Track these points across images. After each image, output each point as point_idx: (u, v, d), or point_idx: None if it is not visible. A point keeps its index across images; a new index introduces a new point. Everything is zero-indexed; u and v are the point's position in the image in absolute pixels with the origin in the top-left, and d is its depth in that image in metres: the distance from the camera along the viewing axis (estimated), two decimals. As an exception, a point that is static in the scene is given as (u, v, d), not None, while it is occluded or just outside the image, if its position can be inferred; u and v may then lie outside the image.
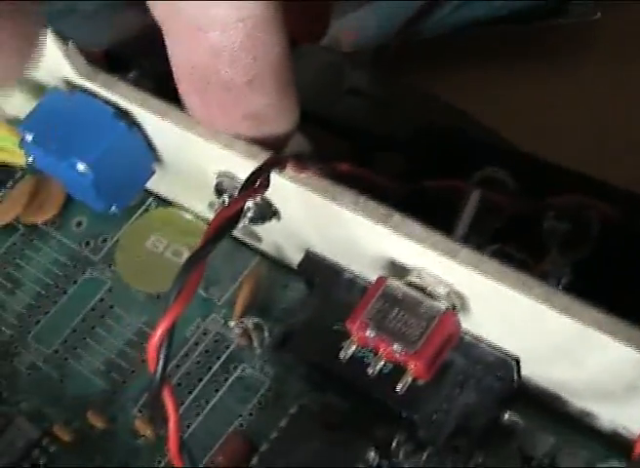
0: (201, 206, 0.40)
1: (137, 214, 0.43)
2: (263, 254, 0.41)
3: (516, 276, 0.30)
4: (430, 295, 0.32)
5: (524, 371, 0.35)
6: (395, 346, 0.31)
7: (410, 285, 0.32)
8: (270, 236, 0.39)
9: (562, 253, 0.37)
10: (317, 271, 0.37)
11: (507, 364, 0.34)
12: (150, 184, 0.41)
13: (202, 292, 0.40)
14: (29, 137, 0.37)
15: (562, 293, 0.29)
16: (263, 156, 0.33)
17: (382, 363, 0.32)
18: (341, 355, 0.33)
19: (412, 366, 0.32)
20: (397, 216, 0.31)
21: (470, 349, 0.34)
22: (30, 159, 0.38)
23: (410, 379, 0.32)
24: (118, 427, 0.38)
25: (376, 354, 0.33)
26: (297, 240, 0.37)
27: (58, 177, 0.38)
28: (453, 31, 0.44)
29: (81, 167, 0.35)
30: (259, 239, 0.40)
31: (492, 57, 0.40)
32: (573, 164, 0.38)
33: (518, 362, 0.34)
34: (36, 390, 0.40)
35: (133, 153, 0.37)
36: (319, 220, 0.34)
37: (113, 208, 0.38)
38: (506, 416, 0.35)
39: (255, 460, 0.35)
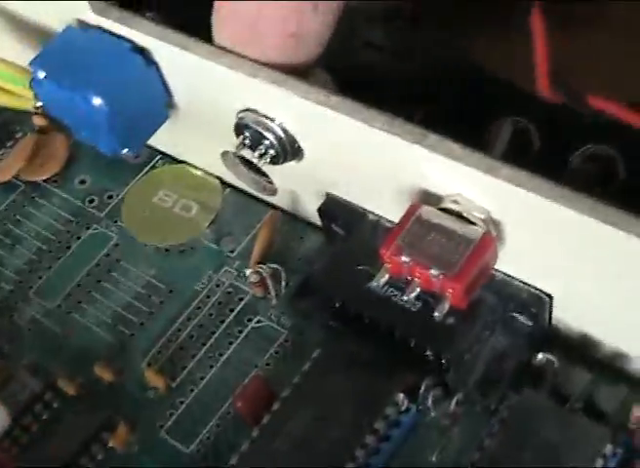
0: (212, 160, 0.39)
1: (143, 172, 0.42)
2: (277, 208, 0.40)
3: (560, 190, 0.29)
4: (466, 221, 0.31)
5: (556, 314, 0.34)
6: (433, 270, 0.30)
7: (445, 211, 0.31)
8: (287, 183, 0.38)
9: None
10: (339, 214, 0.36)
11: (540, 300, 0.33)
12: (158, 142, 0.40)
13: (213, 245, 0.39)
14: (42, 75, 0.35)
15: (610, 206, 0.28)
16: (290, 83, 0.33)
17: (418, 290, 0.31)
18: (374, 283, 0.32)
19: (450, 291, 0.31)
20: (434, 136, 0.31)
21: (502, 287, 0.33)
22: (40, 104, 0.37)
23: (447, 306, 0.31)
24: (126, 380, 0.36)
25: (406, 288, 0.32)
26: (316, 183, 0.36)
27: (67, 120, 0.37)
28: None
29: (96, 100, 0.34)
30: (273, 192, 0.38)
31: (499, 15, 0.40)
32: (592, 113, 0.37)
33: (551, 298, 0.33)
34: (38, 345, 0.38)
35: (149, 91, 0.36)
36: (347, 150, 0.33)
37: (125, 150, 0.36)
38: (539, 356, 0.33)
39: (277, 405, 0.33)
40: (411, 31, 0.41)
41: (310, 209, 0.38)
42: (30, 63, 0.36)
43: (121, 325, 0.38)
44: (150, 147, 0.41)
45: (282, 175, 0.37)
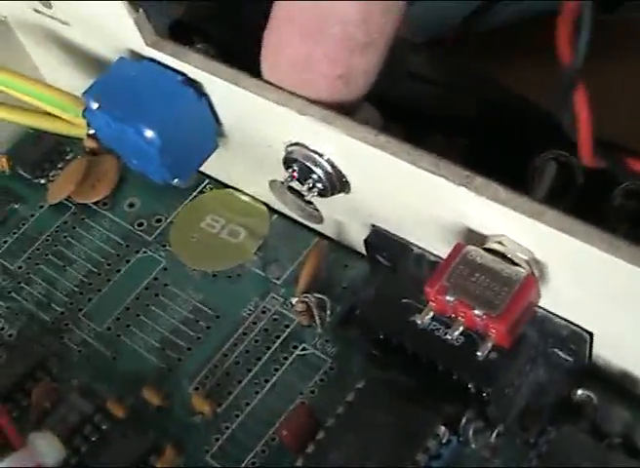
0: (260, 187, 0.40)
1: (192, 196, 0.43)
2: (323, 236, 0.40)
3: (605, 237, 0.29)
4: (510, 262, 0.32)
5: (596, 350, 0.34)
6: (476, 310, 0.31)
7: (489, 251, 0.32)
8: (333, 213, 0.38)
9: (630, 233, 0.36)
10: (384, 246, 0.37)
11: (581, 337, 0.33)
12: (206, 167, 0.41)
13: (259, 272, 0.40)
14: (95, 105, 0.36)
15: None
16: (338, 122, 0.33)
17: (461, 328, 0.32)
18: (418, 321, 0.32)
19: (493, 331, 0.31)
20: (480, 179, 0.31)
21: (544, 323, 0.34)
22: (92, 131, 0.38)
23: (490, 346, 0.32)
24: (174, 404, 0.37)
25: (448, 327, 0.33)
26: (362, 215, 0.37)
27: (119, 148, 0.38)
28: (507, 24, 0.44)
29: (149, 133, 0.35)
30: (320, 220, 0.39)
31: (544, 49, 0.40)
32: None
33: (592, 336, 0.33)
34: (88, 367, 0.39)
35: (199, 123, 0.37)
36: (393, 188, 0.34)
37: (176, 180, 0.37)
38: (579, 392, 0.34)
39: (321, 435, 0.34)
40: (454, 61, 0.41)
41: (356, 238, 0.38)
42: (83, 94, 0.36)
43: (169, 349, 0.39)
44: (199, 171, 0.42)
45: (329, 206, 0.37)
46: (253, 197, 0.42)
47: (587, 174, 0.37)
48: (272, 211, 0.41)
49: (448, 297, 0.31)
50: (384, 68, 0.37)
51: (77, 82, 0.40)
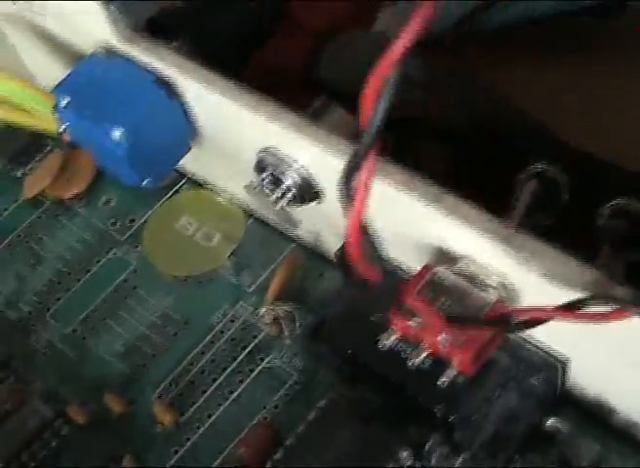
0: (236, 188, 0.39)
1: (168, 195, 0.41)
2: (299, 242, 0.39)
3: (575, 265, 0.28)
4: (479, 286, 0.30)
5: (572, 378, 0.33)
6: (440, 337, 0.30)
7: (458, 273, 0.31)
8: (308, 221, 0.37)
9: (615, 254, 0.35)
10: (356, 259, 0.36)
11: (553, 365, 0.32)
12: (184, 165, 0.40)
13: (231, 278, 0.39)
14: (64, 102, 0.35)
15: (624, 286, 0.27)
16: (309, 130, 0.32)
17: (424, 355, 0.31)
18: (380, 345, 0.31)
19: (457, 359, 0.30)
20: (451, 198, 0.30)
21: (515, 349, 0.32)
22: (63, 127, 0.37)
23: (453, 373, 0.30)
24: (136, 412, 0.36)
25: (416, 346, 0.32)
26: (336, 225, 0.35)
27: (89, 147, 0.37)
28: (508, 26, 0.42)
29: (116, 134, 0.34)
30: (296, 225, 0.38)
31: (545, 53, 0.39)
32: (627, 164, 0.36)
33: (565, 364, 0.32)
34: (52, 369, 0.38)
35: (170, 124, 0.35)
36: (364, 202, 0.32)
37: (145, 182, 0.36)
38: (549, 422, 0.33)
39: (279, 454, 0.33)
40: (448, 67, 0.40)
41: (332, 247, 0.37)
42: (53, 90, 0.35)
43: (134, 354, 0.38)
44: (176, 170, 0.41)
45: (304, 214, 0.36)
46: (229, 199, 0.40)
47: (574, 190, 0.36)
48: (248, 214, 0.40)
49: (412, 323, 0.30)
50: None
51: (60, 74, 0.38)
